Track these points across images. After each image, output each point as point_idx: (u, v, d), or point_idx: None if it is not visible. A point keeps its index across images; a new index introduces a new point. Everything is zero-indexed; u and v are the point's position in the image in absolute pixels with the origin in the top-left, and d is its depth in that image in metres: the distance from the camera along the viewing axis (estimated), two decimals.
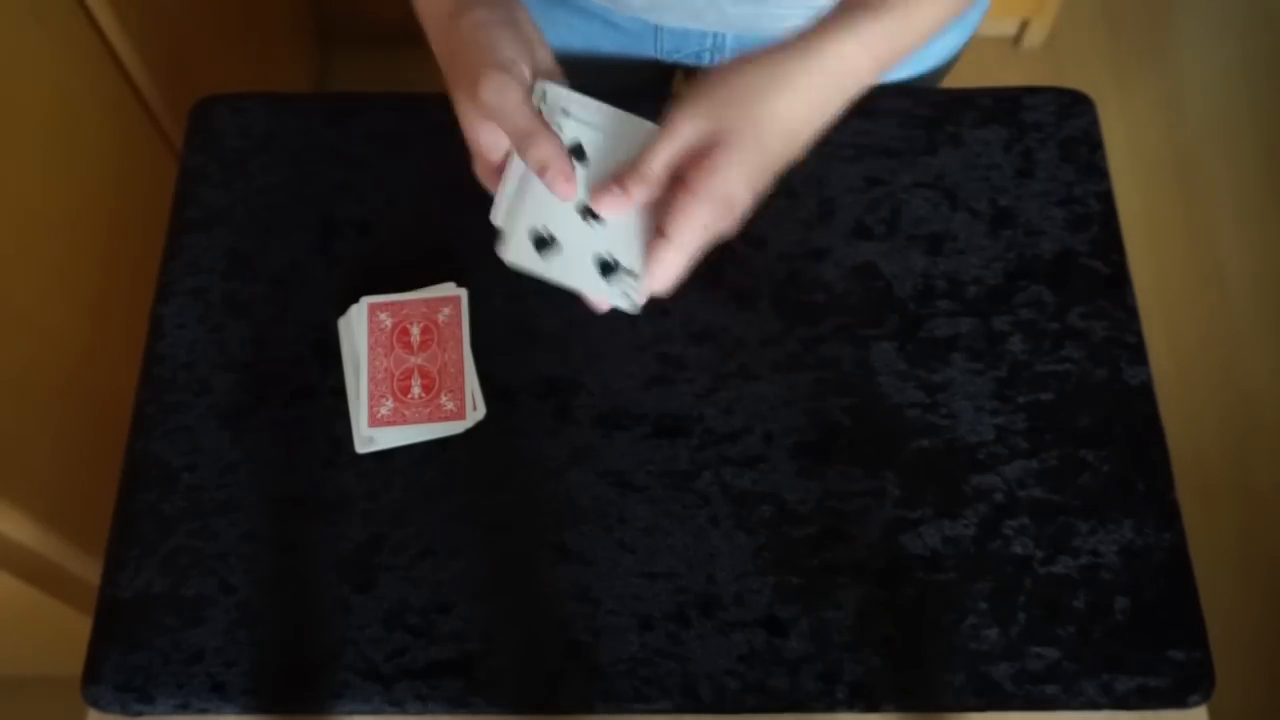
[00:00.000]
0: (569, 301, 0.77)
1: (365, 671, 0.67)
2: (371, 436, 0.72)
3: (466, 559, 0.70)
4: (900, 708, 0.67)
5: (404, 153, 0.82)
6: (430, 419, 0.72)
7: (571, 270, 0.61)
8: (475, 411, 0.73)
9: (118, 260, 1.07)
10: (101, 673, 0.68)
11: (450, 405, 0.72)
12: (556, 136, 0.59)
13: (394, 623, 0.69)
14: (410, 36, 0.88)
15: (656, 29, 0.84)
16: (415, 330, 0.75)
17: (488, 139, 0.60)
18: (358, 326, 0.75)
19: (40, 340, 0.97)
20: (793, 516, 0.71)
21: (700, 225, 0.58)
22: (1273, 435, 1.59)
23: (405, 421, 0.72)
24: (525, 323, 0.77)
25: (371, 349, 0.74)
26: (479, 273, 0.78)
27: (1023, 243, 0.79)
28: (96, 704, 0.69)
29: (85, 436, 1.02)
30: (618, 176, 0.59)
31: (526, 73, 0.59)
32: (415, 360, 0.74)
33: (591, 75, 0.91)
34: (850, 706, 0.67)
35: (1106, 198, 0.81)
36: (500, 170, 0.61)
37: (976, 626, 0.68)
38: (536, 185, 0.60)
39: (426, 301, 0.75)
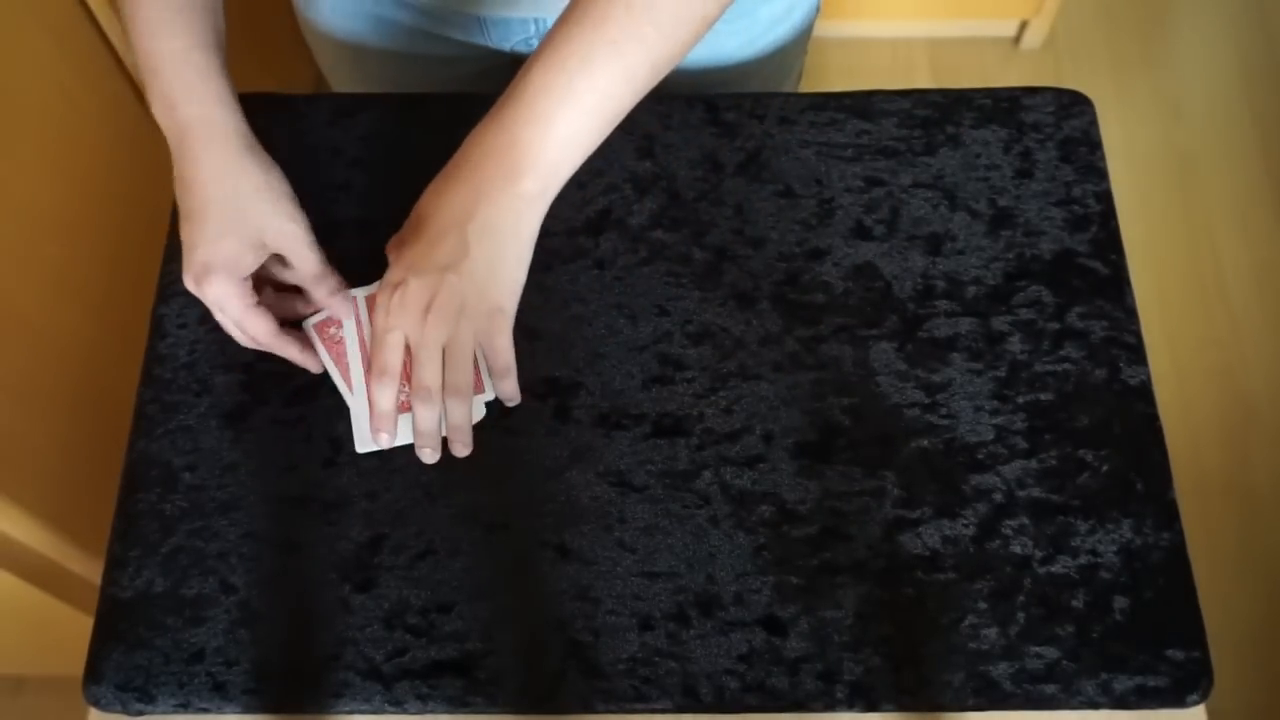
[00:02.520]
0: (569, 301, 0.77)
1: (365, 671, 0.68)
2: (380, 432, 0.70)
3: (466, 559, 0.70)
4: (900, 707, 0.67)
5: (404, 153, 0.82)
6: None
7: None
8: (485, 394, 0.72)
9: (118, 260, 1.07)
10: (102, 672, 0.68)
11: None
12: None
13: (394, 623, 0.69)
14: None
15: (481, 20, 0.84)
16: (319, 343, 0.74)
17: (209, 298, 0.70)
18: (349, 326, 0.74)
19: (41, 341, 0.97)
20: (793, 516, 0.71)
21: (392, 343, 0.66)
22: (1272, 435, 1.59)
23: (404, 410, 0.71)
24: (525, 323, 0.77)
25: (364, 344, 0.73)
26: None
27: (1022, 243, 0.79)
28: (97, 703, 0.69)
29: (86, 436, 1.02)
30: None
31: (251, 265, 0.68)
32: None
33: (439, 70, 0.91)
34: (850, 706, 0.67)
35: (1105, 198, 0.81)
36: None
37: (976, 626, 0.68)
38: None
39: (325, 319, 0.74)
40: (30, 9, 0.94)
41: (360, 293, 0.75)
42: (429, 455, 0.68)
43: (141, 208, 1.09)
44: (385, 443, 0.69)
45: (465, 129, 0.83)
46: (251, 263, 0.68)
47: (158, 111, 0.68)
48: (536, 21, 0.85)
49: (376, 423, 0.68)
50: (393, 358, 0.65)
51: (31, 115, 0.95)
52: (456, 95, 0.86)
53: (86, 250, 1.04)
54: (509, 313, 0.67)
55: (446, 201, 0.65)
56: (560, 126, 0.62)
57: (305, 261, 0.70)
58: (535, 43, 0.86)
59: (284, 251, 0.70)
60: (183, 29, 0.65)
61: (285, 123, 0.84)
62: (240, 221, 0.67)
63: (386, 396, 0.66)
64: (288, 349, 0.71)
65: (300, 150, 0.83)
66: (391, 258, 0.67)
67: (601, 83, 0.60)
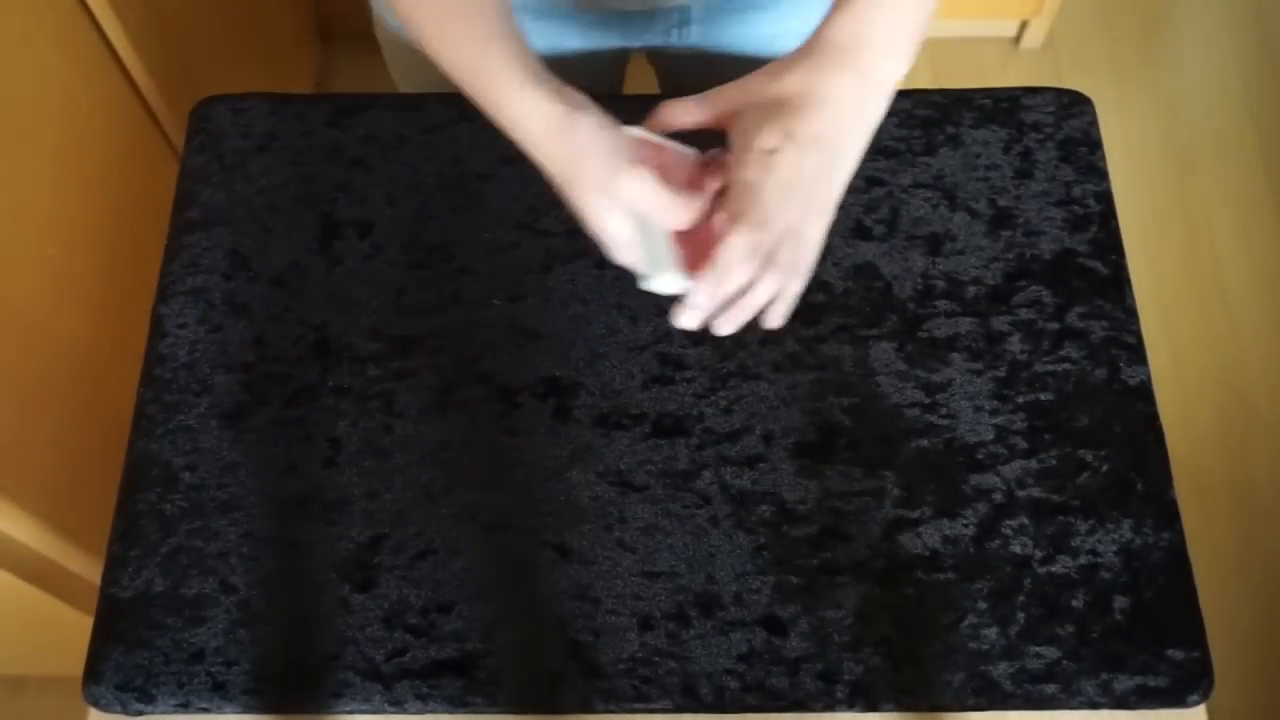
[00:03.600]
0: (569, 301, 0.77)
1: (365, 671, 0.68)
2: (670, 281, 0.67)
3: (466, 559, 0.70)
4: (900, 707, 0.67)
5: (404, 153, 0.82)
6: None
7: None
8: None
9: (118, 260, 1.07)
10: (102, 672, 0.68)
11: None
12: (694, 197, 0.65)
13: (394, 623, 0.69)
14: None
15: (622, 15, 0.84)
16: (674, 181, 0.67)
17: (624, 227, 0.65)
18: None
19: (40, 340, 0.97)
20: (792, 516, 0.71)
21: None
22: (1271, 435, 1.59)
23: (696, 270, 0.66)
24: (525, 323, 0.77)
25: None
26: (479, 273, 0.78)
27: (1022, 243, 0.79)
28: (97, 703, 0.69)
29: (86, 436, 1.02)
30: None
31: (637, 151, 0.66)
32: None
33: (556, 71, 0.91)
34: (850, 706, 0.67)
35: (1105, 198, 0.81)
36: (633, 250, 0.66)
37: (976, 626, 0.68)
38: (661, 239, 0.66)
39: (679, 154, 0.70)
40: (31, 10, 0.94)
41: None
42: (728, 327, 0.66)
43: (141, 208, 1.09)
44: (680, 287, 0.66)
45: (465, 129, 0.83)
46: (635, 154, 0.65)
47: (487, 112, 0.68)
48: (680, 11, 0.83)
49: (720, 270, 0.63)
50: (762, 211, 0.62)
51: (31, 115, 0.95)
52: (456, 95, 0.86)
53: (86, 250, 1.04)
54: (835, 205, 0.65)
55: (829, 83, 0.63)
56: (911, 13, 0.65)
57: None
58: (674, 34, 0.85)
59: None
60: (479, 20, 0.66)
61: (285, 123, 0.84)
62: (612, 139, 0.66)
63: (744, 249, 0.63)
64: (694, 204, 0.66)
65: (300, 150, 0.83)
66: (752, 124, 0.64)
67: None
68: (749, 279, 0.63)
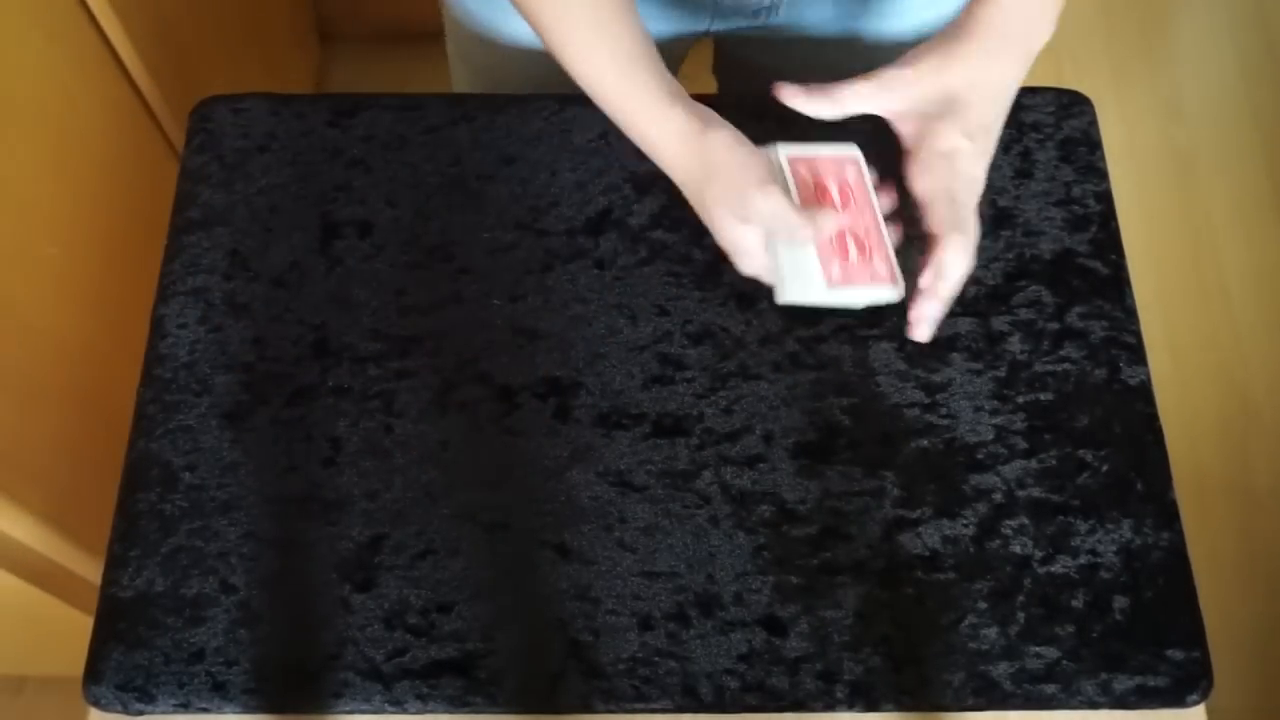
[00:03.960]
0: (569, 301, 0.77)
1: (365, 671, 0.68)
2: (833, 294, 0.69)
3: (466, 559, 0.70)
4: (900, 707, 0.67)
5: (404, 153, 0.82)
6: (872, 280, 0.69)
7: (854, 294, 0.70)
8: (898, 285, 0.69)
9: (118, 260, 1.07)
10: (102, 672, 0.68)
11: (883, 270, 0.69)
12: (827, 208, 0.69)
13: (394, 622, 0.69)
14: (410, 37, 0.88)
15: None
16: (833, 188, 0.70)
17: (753, 240, 0.68)
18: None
19: (40, 340, 0.97)
20: (792, 516, 0.71)
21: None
22: (1271, 434, 1.59)
23: (851, 282, 0.69)
24: (525, 323, 0.77)
25: (804, 204, 0.69)
26: (479, 273, 0.78)
27: (1022, 243, 0.79)
28: (97, 703, 0.69)
29: (86, 436, 1.02)
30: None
31: (776, 171, 0.69)
32: (842, 219, 0.69)
33: None
34: (850, 706, 0.67)
35: (1105, 198, 0.81)
36: (763, 259, 0.69)
37: (976, 626, 0.68)
38: (809, 254, 0.68)
39: (835, 159, 0.71)
40: (30, 10, 0.94)
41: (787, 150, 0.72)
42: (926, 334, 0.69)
43: (141, 207, 1.09)
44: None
45: (465, 129, 0.83)
46: (771, 175, 0.67)
47: (615, 119, 0.70)
48: None
49: (951, 284, 0.67)
50: (971, 220, 0.67)
51: (31, 115, 0.95)
52: (456, 96, 0.86)
53: (86, 250, 1.04)
54: None
55: (996, 72, 0.67)
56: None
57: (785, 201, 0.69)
58: (764, 14, 0.84)
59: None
60: (613, 36, 0.68)
61: (285, 123, 0.84)
62: (748, 156, 0.68)
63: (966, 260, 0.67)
64: (819, 218, 0.67)
65: (300, 150, 0.83)
66: (967, 160, 0.67)
67: None
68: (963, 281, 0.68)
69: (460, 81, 0.98)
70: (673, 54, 0.91)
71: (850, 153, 0.72)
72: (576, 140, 0.82)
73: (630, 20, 0.68)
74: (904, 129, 0.69)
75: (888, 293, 0.70)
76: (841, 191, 0.71)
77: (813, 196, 0.71)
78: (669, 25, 0.86)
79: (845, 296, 0.69)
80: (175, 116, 1.16)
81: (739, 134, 0.67)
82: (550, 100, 0.84)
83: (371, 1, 1.70)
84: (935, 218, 0.67)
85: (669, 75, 0.69)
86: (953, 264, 0.67)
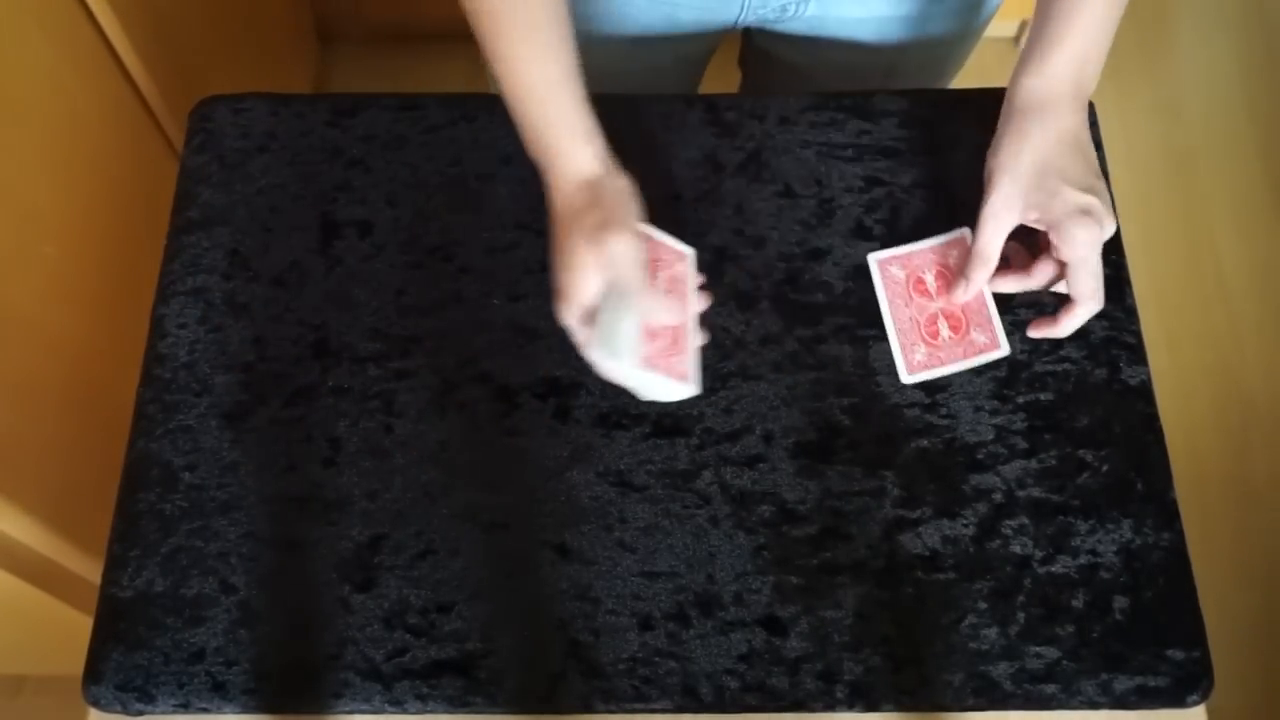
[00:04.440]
0: None
1: (365, 671, 0.68)
2: (913, 379, 0.75)
3: (466, 559, 0.70)
4: (900, 707, 0.67)
5: (404, 153, 0.82)
6: (966, 355, 0.74)
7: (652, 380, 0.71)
8: (691, 384, 0.72)
9: (118, 260, 1.07)
10: (102, 672, 0.68)
11: (982, 339, 0.74)
12: (659, 293, 0.71)
13: (394, 622, 0.69)
14: (410, 37, 0.88)
15: None
16: (930, 277, 0.77)
17: (587, 289, 0.68)
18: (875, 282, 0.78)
19: (40, 340, 0.97)
20: (793, 516, 0.71)
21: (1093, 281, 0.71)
22: (1271, 434, 1.59)
23: (941, 364, 0.74)
24: (525, 323, 0.77)
25: (891, 301, 0.77)
26: (479, 273, 0.78)
27: None
28: (97, 703, 0.69)
29: (85, 436, 1.02)
30: (965, 269, 0.74)
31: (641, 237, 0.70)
32: (936, 304, 0.76)
33: (663, 48, 0.90)
34: (850, 706, 0.67)
35: None
36: (589, 311, 0.68)
37: (976, 626, 0.68)
38: (632, 324, 0.68)
39: (672, 251, 0.74)
40: (30, 9, 0.94)
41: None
42: None
43: (141, 208, 1.09)
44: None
45: (465, 129, 0.83)
46: (637, 231, 0.70)
47: (524, 137, 0.72)
48: None
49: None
50: (1098, 283, 0.71)
51: (31, 115, 0.95)
52: (456, 96, 0.86)
53: (86, 250, 1.04)
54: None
55: (1067, 126, 0.71)
56: (1095, 58, 0.73)
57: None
58: (792, 8, 0.86)
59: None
60: (552, 59, 0.70)
61: (285, 123, 0.84)
62: (630, 207, 0.71)
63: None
64: (660, 301, 0.71)
65: (300, 150, 0.83)
66: (1082, 221, 0.69)
67: (1114, 12, 0.74)
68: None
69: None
70: (703, 45, 0.91)
71: (686, 250, 0.75)
72: None
73: (564, 46, 0.70)
74: (1034, 226, 0.72)
75: (682, 389, 0.71)
76: (669, 281, 0.73)
77: (907, 291, 0.77)
78: (699, 15, 0.87)
79: (646, 379, 0.70)
80: (175, 116, 1.16)
81: (634, 190, 0.70)
82: None
83: (371, 1, 1.70)
84: (1076, 288, 0.71)
85: (588, 109, 0.71)
86: (1070, 327, 0.72)
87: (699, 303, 0.74)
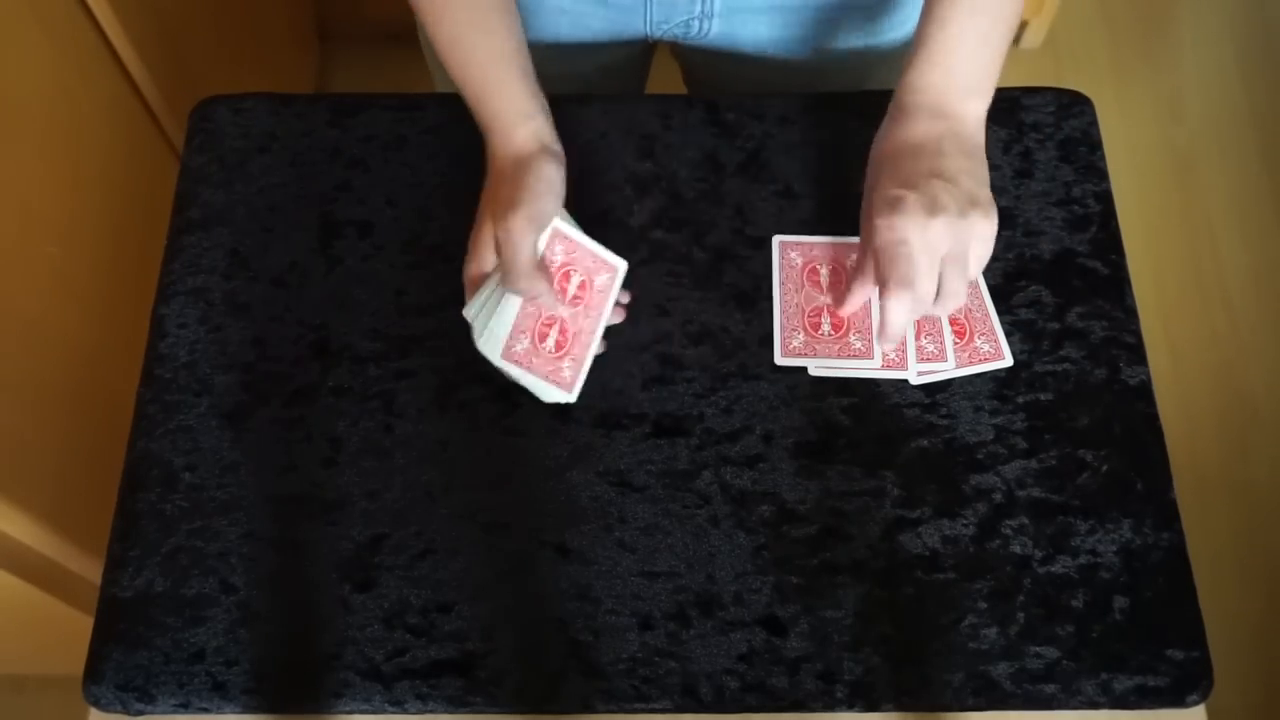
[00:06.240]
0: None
1: (365, 671, 0.68)
2: (785, 363, 0.75)
3: (466, 559, 0.70)
4: (900, 707, 0.67)
5: (404, 153, 0.82)
6: (548, 378, 0.72)
7: (524, 377, 0.72)
8: (571, 394, 0.72)
9: (118, 260, 1.08)
10: (102, 672, 0.68)
11: (566, 375, 0.73)
12: (547, 279, 0.70)
13: (394, 622, 0.69)
14: (410, 37, 0.88)
15: (646, 1, 0.84)
16: (825, 271, 0.77)
17: (486, 260, 0.71)
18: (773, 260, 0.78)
19: (40, 340, 0.97)
20: (792, 516, 0.71)
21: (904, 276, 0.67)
22: (1271, 434, 1.59)
23: (815, 355, 0.75)
24: None
25: (783, 284, 0.77)
26: None
27: (1022, 243, 0.79)
28: (97, 703, 0.69)
29: (86, 436, 1.02)
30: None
31: (547, 228, 0.71)
32: (825, 299, 0.76)
33: (581, 59, 0.91)
34: (850, 706, 0.67)
35: (1105, 198, 0.81)
36: (481, 278, 0.72)
37: (975, 626, 0.68)
38: (510, 313, 0.71)
39: (597, 259, 0.74)
40: (30, 9, 0.94)
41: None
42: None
43: (141, 208, 1.09)
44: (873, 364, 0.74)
45: (465, 129, 0.83)
46: (545, 223, 0.70)
47: (470, 109, 0.73)
48: (704, 1, 0.84)
49: (888, 335, 0.68)
50: (907, 268, 0.66)
51: (31, 115, 0.95)
52: (456, 95, 0.86)
53: (86, 250, 1.04)
54: (995, 216, 0.68)
55: (912, 134, 0.69)
56: (985, 55, 0.70)
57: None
58: (696, 25, 0.86)
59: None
60: (495, 32, 0.72)
61: (285, 123, 0.84)
62: (543, 195, 0.71)
63: (903, 310, 0.67)
64: (539, 285, 0.70)
65: (300, 150, 0.83)
66: (887, 211, 0.67)
67: (1007, 12, 0.70)
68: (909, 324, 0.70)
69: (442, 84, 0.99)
70: (623, 57, 0.91)
71: (617, 263, 0.75)
72: (576, 140, 0.82)
73: (506, 23, 0.71)
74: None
75: (559, 395, 0.72)
76: (581, 287, 0.73)
77: (800, 278, 0.77)
78: (607, 25, 0.87)
79: (516, 374, 0.71)
80: (175, 116, 1.17)
81: (559, 179, 0.71)
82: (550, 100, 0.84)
83: (371, 1, 1.70)
84: (880, 277, 0.67)
85: (536, 87, 0.72)
86: (891, 327, 0.67)
87: (614, 317, 0.75)
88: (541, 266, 0.71)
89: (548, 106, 0.73)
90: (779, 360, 0.74)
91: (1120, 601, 0.69)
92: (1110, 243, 0.80)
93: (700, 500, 0.71)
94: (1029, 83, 0.87)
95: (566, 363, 0.72)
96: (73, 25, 1.02)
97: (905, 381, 0.75)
